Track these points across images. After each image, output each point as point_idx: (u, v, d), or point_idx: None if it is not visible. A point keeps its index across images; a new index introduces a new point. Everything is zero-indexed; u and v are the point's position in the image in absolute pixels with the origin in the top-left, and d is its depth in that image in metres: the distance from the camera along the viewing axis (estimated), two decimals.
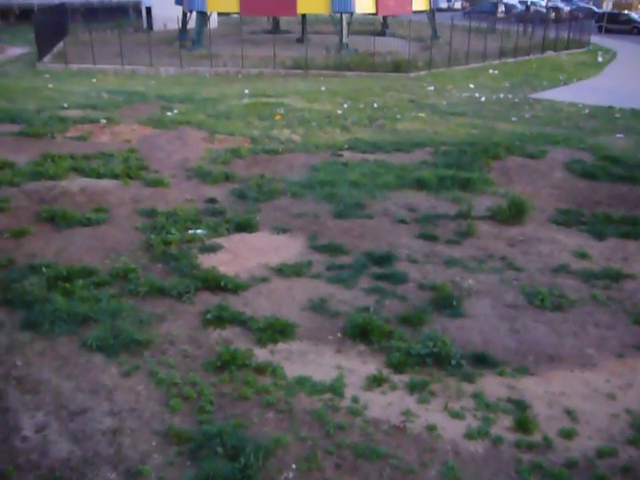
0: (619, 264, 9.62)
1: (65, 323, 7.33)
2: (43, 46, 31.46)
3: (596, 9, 64.31)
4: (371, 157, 14.89)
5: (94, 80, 25.91)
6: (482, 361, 6.94)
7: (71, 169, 13.13)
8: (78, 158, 13.95)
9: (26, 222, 10.37)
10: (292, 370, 6.69)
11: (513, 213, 11.20)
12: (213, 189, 12.50)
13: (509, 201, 11.46)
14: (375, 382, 6.51)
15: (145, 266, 9.01)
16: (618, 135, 17.90)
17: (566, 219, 11.46)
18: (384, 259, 9.48)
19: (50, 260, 9.00)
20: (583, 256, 9.88)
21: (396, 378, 6.60)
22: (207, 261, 9.22)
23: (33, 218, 10.56)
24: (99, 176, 12.79)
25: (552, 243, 10.38)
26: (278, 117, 18.82)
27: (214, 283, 8.41)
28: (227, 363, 6.65)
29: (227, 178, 13.06)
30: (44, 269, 8.60)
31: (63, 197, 11.52)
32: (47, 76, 26.55)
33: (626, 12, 58.22)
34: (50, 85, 24.14)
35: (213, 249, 9.66)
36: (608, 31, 51.51)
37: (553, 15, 57.59)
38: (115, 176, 12.81)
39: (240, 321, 7.60)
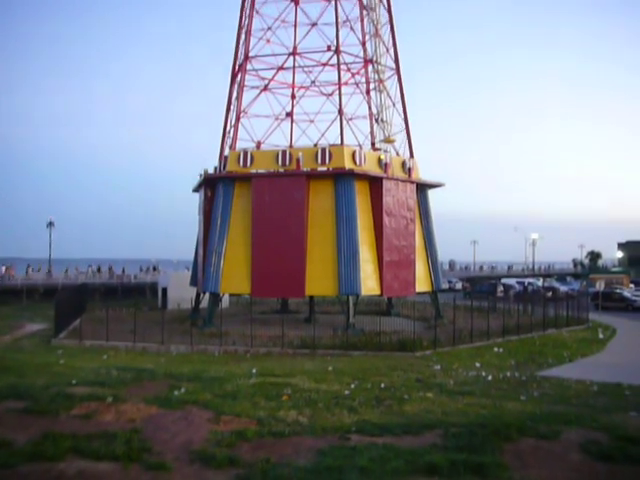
0: None
1: None
2: (61, 323, 32.68)
3: (590, 288, 67.28)
4: (379, 440, 14.47)
5: (105, 357, 26.35)
6: None
7: (71, 449, 12.72)
8: (80, 438, 13.60)
9: None
10: None
11: None
12: (217, 474, 11.98)
13: None
14: None
15: None
16: (632, 413, 17.54)
17: None
18: None
19: None
20: None
21: None
22: None
23: None
24: (99, 457, 12.35)
25: None
26: (285, 397, 18.73)
27: None
28: None
29: (232, 462, 12.58)
30: None
31: None
32: (60, 352, 27.08)
33: (618, 290, 60.80)
34: (62, 361, 24.50)
35: None
36: (604, 308, 53.28)
37: (550, 294, 60.11)
38: (116, 458, 12.37)
39: None
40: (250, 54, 42.38)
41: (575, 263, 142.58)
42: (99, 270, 75.04)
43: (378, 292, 38.04)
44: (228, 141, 42.33)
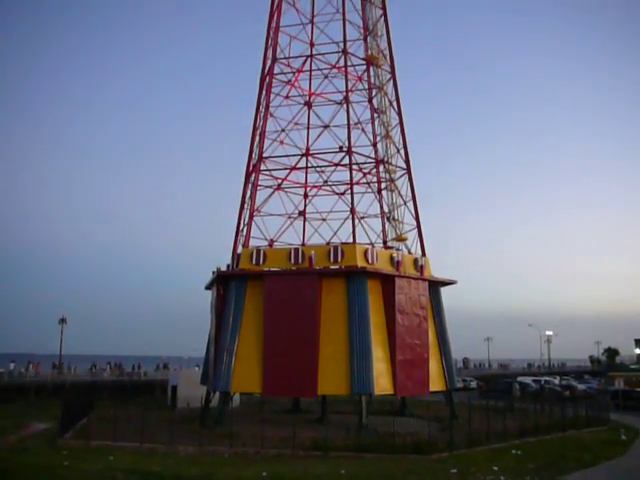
0: None
1: None
2: (67, 422, 32.09)
3: (609, 387, 65.67)
4: None
5: (111, 458, 25.74)
6: None
7: None
8: None
9: None
10: None
11: None
12: None
13: None
14: None
15: None
16: None
17: None
18: None
19: None
20: None
21: None
22: None
23: None
24: None
25: None
26: None
27: None
28: None
29: None
30: None
31: None
32: (65, 453, 26.50)
33: (638, 389, 59.27)
34: (66, 463, 23.94)
35: None
36: (625, 408, 51.84)
37: (568, 393, 58.62)
38: None
39: None
40: (264, 155, 43.63)
41: (592, 360, 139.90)
42: (109, 366, 74.44)
43: (391, 392, 37.32)
44: (241, 239, 42.92)
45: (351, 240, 39.72)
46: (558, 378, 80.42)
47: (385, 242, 45.36)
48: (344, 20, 44.95)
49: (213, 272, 41.45)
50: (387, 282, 38.64)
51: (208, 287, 44.90)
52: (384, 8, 47.33)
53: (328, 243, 42.49)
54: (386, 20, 47.20)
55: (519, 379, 71.64)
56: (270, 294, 37.42)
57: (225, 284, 40.01)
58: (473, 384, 78.54)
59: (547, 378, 77.05)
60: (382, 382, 36.33)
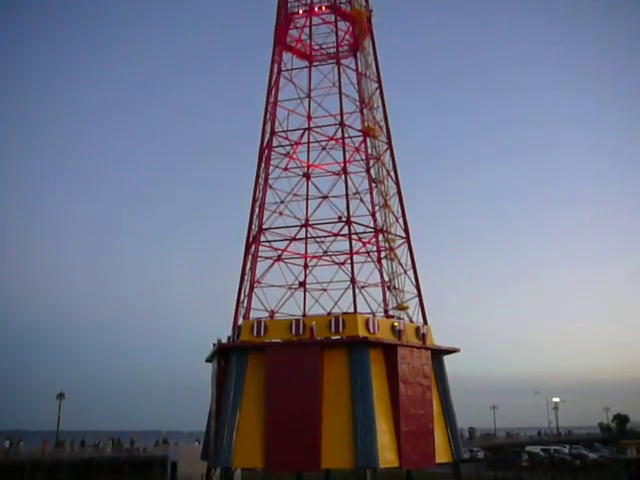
0: None
1: None
2: None
3: (621, 455, 64.09)
4: None
5: None
6: None
7: None
8: None
9: None
10: None
11: None
12: None
13: None
14: None
15: None
16: None
17: None
18: None
19: None
20: None
21: None
22: None
23: None
24: None
25: None
26: None
27: None
28: None
29: None
30: None
31: None
32: None
33: None
34: None
35: None
36: (638, 477, 50.53)
37: (579, 462, 57.25)
38: None
39: None
40: (264, 226, 43.98)
41: (602, 427, 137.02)
42: (112, 441, 72.85)
43: (397, 464, 36.42)
44: (242, 310, 42.79)
45: (352, 310, 39.58)
46: (568, 447, 78.62)
47: (386, 311, 45.19)
48: (340, 93, 46.12)
49: (214, 344, 41.12)
50: (389, 352, 38.28)
51: (209, 360, 44.43)
52: (379, 81, 48.62)
53: (329, 313, 42.34)
54: (381, 92, 48.43)
55: (527, 448, 70.18)
56: (271, 366, 37.01)
57: (226, 356, 39.62)
58: (480, 454, 76.69)
59: (556, 447, 75.37)
60: (387, 455, 35.52)
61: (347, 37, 50.16)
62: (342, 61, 47.95)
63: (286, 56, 49.65)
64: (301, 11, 49.48)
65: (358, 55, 49.30)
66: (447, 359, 44.01)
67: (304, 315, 43.96)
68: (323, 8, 49.22)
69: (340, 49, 48.57)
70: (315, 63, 50.06)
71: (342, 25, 49.72)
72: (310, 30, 50.82)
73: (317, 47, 50.63)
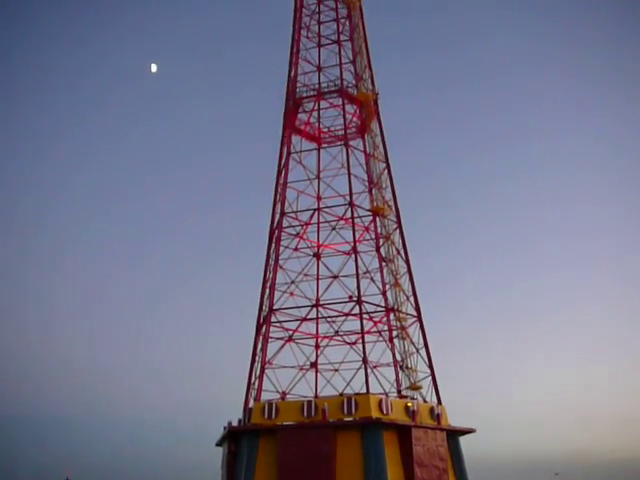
0: None
1: None
2: None
3: None
4: None
5: None
6: None
7: None
8: None
9: None
10: None
11: None
12: None
13: None
14: None
15: None
16: None
17: None
18: None
19: None
20: None
21: None
22: None
23: None
24: None
25: None
26: None
27: None
28: None
29: None
30: None
31: None
32: None
33: None
34: None
35: None
36: None
37: None
38: None
39: None
40: (274, 307, 43.95)
41: None
42: None
43: None
44: (253, 392, 42.24)
45: (364, 390, 39.02)
46: None
47: (399, 391, 44.46)
48: (349, 174, 46.97)
49: (224, 427, 40.44)
50: (403, 433, 37.46)
51: (219, 444, 43.59)
52: (387, 161, 49.52)
53: (341, 394, 41.73)
54: (389, 172, 49.24)
55: None
56: (283, 449, 36.21)
57: (236, 440, 38.91)
58: None
59: None
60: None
61: (355, 120, 51.42)
62: (350, 143, 49.04)
63: (295, 138, 50.82)
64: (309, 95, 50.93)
65: (366, 137, 50.38)
66: (463, 439, 42.90)
67: (316, 396, 43.37)
68: (331, 92, 50.64)
69: (348, 131, 49.70)
70: (324, 145, 51.17)
71: (349, 108, 51.07)
72: (319, 113, 52.23)
73: (325, 129, 51.88)
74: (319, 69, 52.28)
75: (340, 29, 52.43)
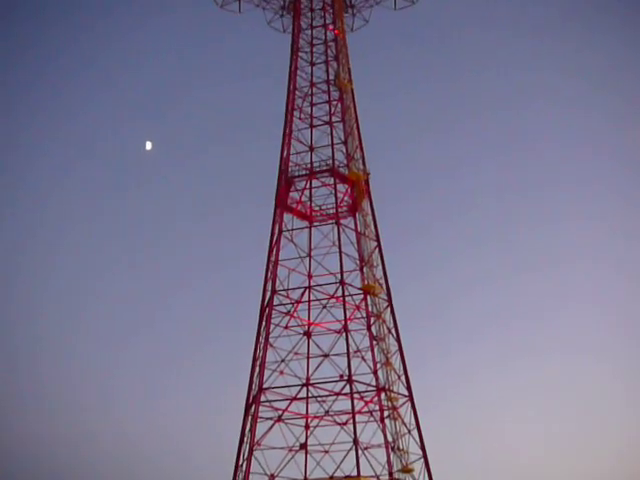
0: None
1: None
2: None
3: None
4: None
5: None
6: None
7: None
8: None
9: None
10: None
11: None
12: None
13: None
14: None
15: None
16: None
17: None
18: None
19: None
20: None
21: None
22: None
23: None
24: None
25: None
26: None
27: None
28: None
29: None
30: None
31: None
32: None
33: None
34: None
35: None
36: None
37: None
38: None
39: None
40: (264, 386, 43.34)
41: None
42: None
43: None
44: (240, 475, 41.35)
45: (355, 473, 38.07)
46: None
47: (391, 473, 43.40)
48: (340, 252, 47.34)
49: None
50: None
51: None
52: (378, 240, 49.94)
53: (331, 477, 40.66)
54: (380, 251, 49.55)
55: None
56: None
57: None
58: None
59: None
60: None
61: (346, 199, 52.12)
62: (341, 221, 49.60)
63: (287, 217, 51.35)
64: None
65: (357, 215, 50.98)
66: None
67: (305, 479, 42.23)
68: (323, 172, 51.49)
69: (339, 210, 50.32)
70: (315, 223, 51.67)
71: (341, 187, 51.84)
72: (310, 192, 52.93)
73: (317, 208, 52.49)
74: (311, 149, 53.27)
75: (332, 111, 53.71)
